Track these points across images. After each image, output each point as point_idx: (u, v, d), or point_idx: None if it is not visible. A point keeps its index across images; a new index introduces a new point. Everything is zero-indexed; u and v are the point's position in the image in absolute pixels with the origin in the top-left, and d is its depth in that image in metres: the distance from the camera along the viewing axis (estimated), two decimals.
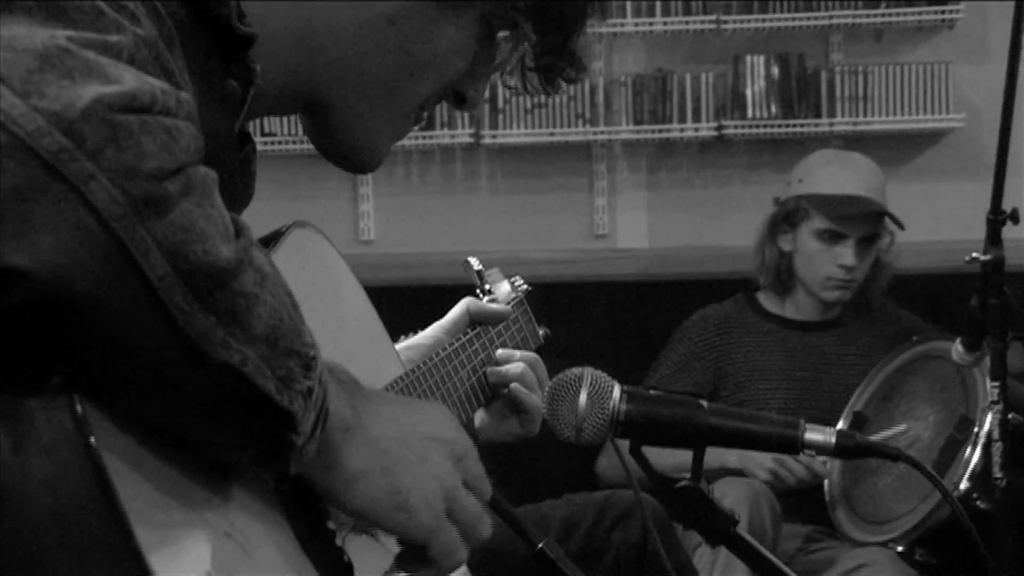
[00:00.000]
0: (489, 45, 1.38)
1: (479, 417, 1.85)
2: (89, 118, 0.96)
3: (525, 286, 2.06)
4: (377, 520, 1.16)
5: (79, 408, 0.98)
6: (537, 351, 1.97)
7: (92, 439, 0.98)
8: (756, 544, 1.59)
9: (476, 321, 1.88)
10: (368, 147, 1.41)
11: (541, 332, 2.04)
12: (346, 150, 1.41)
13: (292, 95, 1.36)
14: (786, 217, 4.00)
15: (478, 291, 2.00)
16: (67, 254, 0.95)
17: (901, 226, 3.98)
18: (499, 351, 1.87)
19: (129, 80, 0.99)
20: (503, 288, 2.02)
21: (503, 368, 1.85)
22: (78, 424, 0.98)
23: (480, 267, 2.03)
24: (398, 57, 1.33)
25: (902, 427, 3.56)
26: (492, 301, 1.96)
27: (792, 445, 1.56)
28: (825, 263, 3.93)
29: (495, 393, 1.84)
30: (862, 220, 3.93)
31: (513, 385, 1.84)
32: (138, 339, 0.98)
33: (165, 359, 0.99)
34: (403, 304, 2.13)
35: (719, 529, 1.58)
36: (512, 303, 1.98)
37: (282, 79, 1.31)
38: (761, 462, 3.65)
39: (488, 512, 1.25)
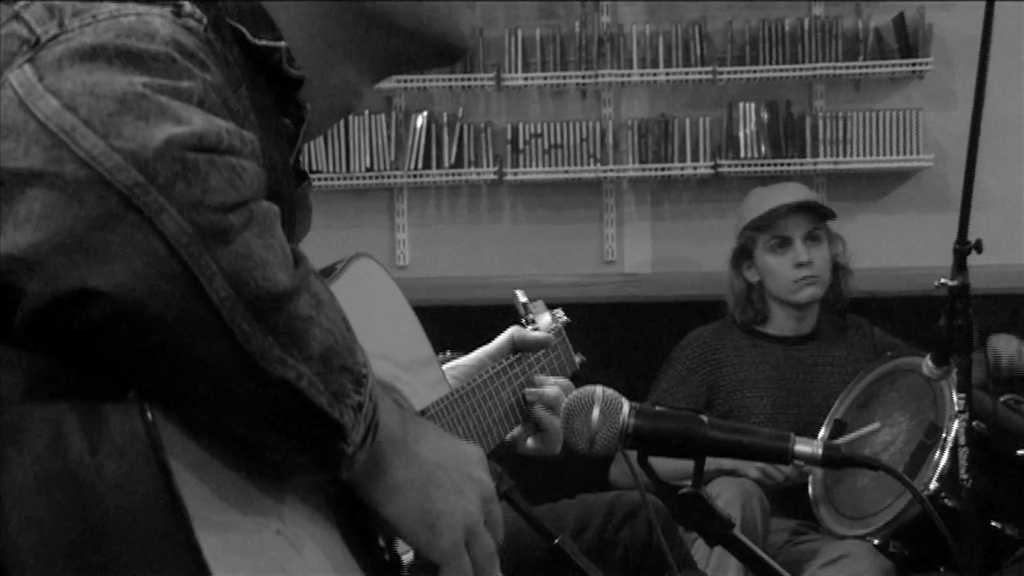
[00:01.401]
0: None
1: (515, 434, 1.84)
2: (161, 156, 0.95)
3: (565, 318, 2.04)
4: (404, 533, 1.14)
5: (149, 415, 0.98)
6: (574, 376, 1.95)
7: (160, 443, 0.97)
8: (750, 544, 1.58)
9: (518, 348, 1.86)
10: (449, 28, 1.31)
11: (577, 359, 2.02)
12: (434, 47, 1.32)
13: (346, 89, 1.30)
14: (742, 252, 4.03)
15: (522, 320, 1.99)
16: (140, 278, 0.94)
17: (832, 214, 4.01)
18: (536, 377, 1.85)
19: (198, 121, 0.98)
20: (545, 319, 2.00)
21: (541, 390, 1.83)
22: (148, 429, 0.97)
23: (526, 299, 2.01)
24: None
25: (876, 425, 3.53)
26: (535, 330, 1.95)
27: (783, 456, 1.55)
28: (785, 269, 3.95)
29: (531, 413, 1.83)
30: (796, 219, 3.95)
31: (536, 408, 1.82)
32: (202, 355, 0.97)
33: (227, 374, 0.98)
34: (434, 322, 2.12)
35: (717, 531, 1.57)
36: (552, 332, 1.96)
37: (334, 81, 1.27)
38: (752, 462, 3.64)
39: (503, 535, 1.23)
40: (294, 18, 1.22)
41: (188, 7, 1.06)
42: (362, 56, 1.29)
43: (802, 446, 1.53)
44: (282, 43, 1.17)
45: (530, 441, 1.86)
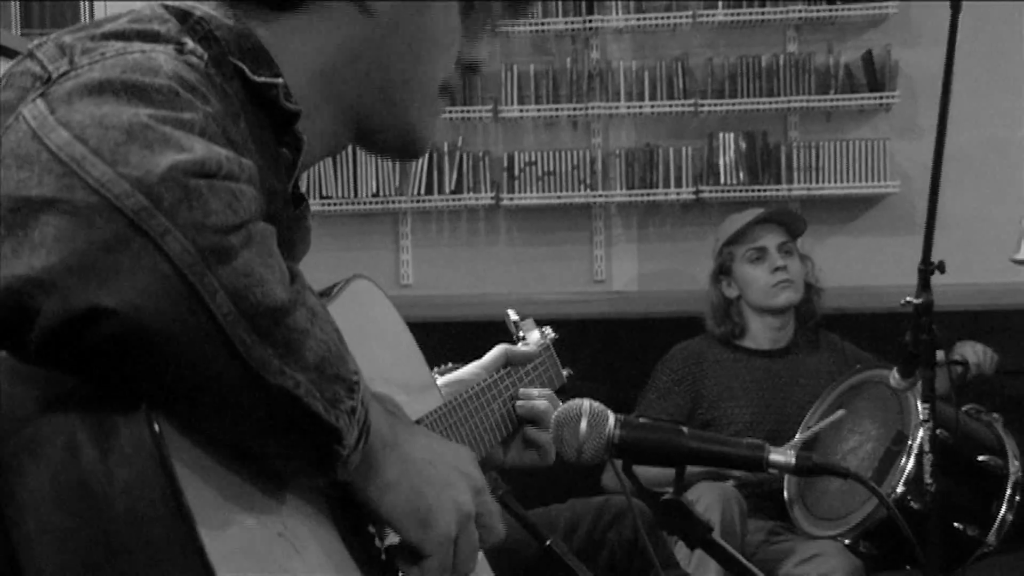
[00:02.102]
0: (470, 11, 1.30)
1: (505, 447, 1.83)
2: (166, 182, 0.95)
3: (553, 334, 2.04)
4: (398, 527, 1.13)
5: (156, 425, 0.97)
6: (561, 390, 1.94)
7: (167, 452, 0.96)
8: (727, 547, 1.57)
9: (509, 362, 1.86)
10: (413, 136, 1.31)
11: (565, 373, 2.02)
12: (396, 145, 1.33)
13: (331, 138, 1.31)
14: (720, 270, 4.05)
15: (514, 337, 1.99)
16: (147, 296, 0.94)
17: (803, 225, 4.03)
18: (521, 390, 1.84)
19: (199, 150, 0.98)
20: (534, 335, 2.00)
21: (531, 403, 1.82)
22: (155, 438, 0.96)
23: (516, 318, 2.02)
24: (406, 54, 1.26)
25: (840, 412, 3.51)
26: (524, 346, 1.94)
27: (758, 464, 1.54)
28: (761, 276, 3.97)
29: (521, 423, 1.82)
30: (770, 232, 3.97)
31: (527, 428, 1.82)
32: (207, 366, 0.96)
33: (229, 383, 0.97)
34: (436, 337, 2.11)
35: (697, 535, 1.56)
36: (540, 347, 1.95)
37: (321, 126, 1.26)
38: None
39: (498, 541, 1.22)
40: (296, 67, 1.22)
41: (190, 45, 1.07)
42: (347, 123, 1.28)
43: (776, 455, 1.52)
44: (280, 79, 1.17)
45: (526, 455, 1.86)
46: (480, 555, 1.26)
